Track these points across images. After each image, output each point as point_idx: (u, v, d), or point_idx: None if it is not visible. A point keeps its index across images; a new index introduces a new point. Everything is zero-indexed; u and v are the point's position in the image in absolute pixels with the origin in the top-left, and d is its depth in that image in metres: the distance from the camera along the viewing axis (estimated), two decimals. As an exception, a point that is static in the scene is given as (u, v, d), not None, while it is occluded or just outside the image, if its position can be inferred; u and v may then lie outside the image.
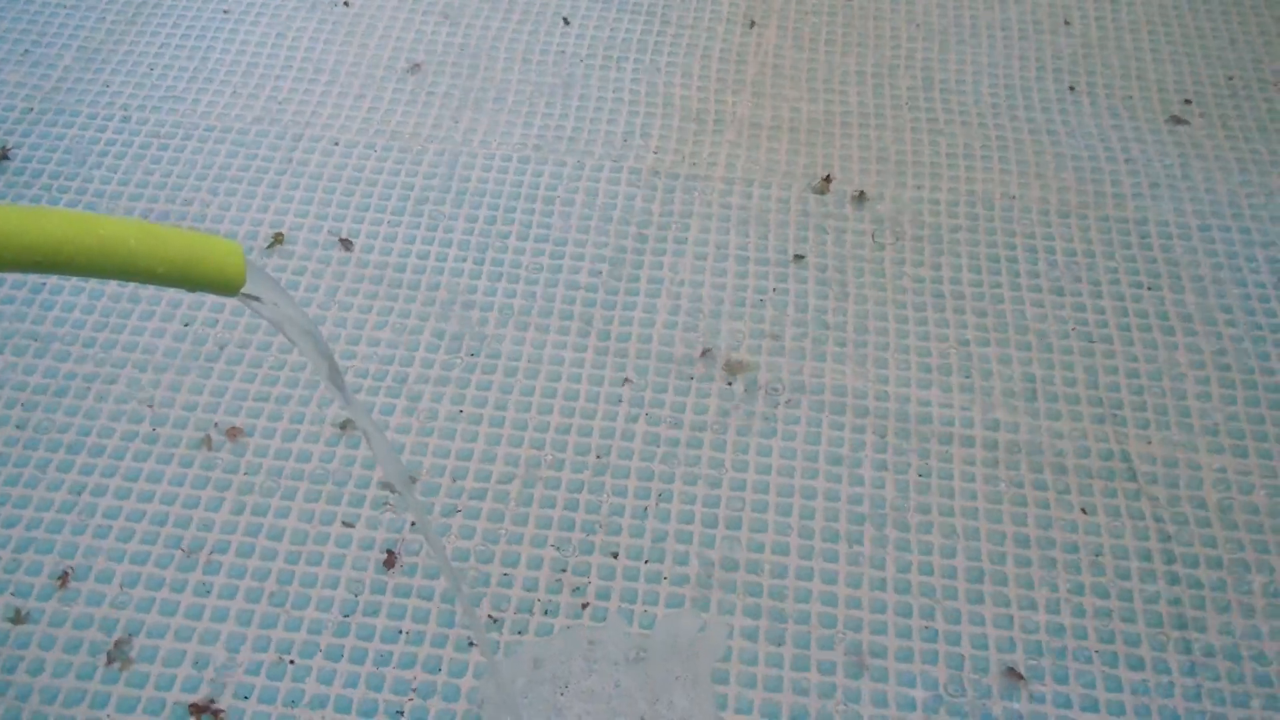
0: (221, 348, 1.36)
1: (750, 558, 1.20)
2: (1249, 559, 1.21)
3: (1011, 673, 1.12)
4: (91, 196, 1.51)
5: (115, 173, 1.54)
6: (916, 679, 1.12)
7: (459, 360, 1.36)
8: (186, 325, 1.38)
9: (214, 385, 1.32)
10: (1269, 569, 1.20)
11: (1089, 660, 1.13)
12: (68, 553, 1.18)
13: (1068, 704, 1.10)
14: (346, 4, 1.79)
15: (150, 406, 1.30)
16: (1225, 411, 1.34)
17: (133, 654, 1.11)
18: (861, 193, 1.56)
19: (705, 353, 1.36)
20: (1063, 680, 1.12)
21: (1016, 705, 1.10)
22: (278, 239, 1.47)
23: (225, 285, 0.62)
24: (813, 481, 1.26)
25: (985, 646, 1.14)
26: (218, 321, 1.38)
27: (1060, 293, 1.45)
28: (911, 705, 1.10)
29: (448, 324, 1.39)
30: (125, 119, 1.61)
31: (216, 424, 1.29)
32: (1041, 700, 1.11)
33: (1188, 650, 1.14)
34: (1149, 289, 1.46)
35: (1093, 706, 1.10)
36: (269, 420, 1.29)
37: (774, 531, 1.22)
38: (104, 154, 1.56)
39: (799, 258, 1.47)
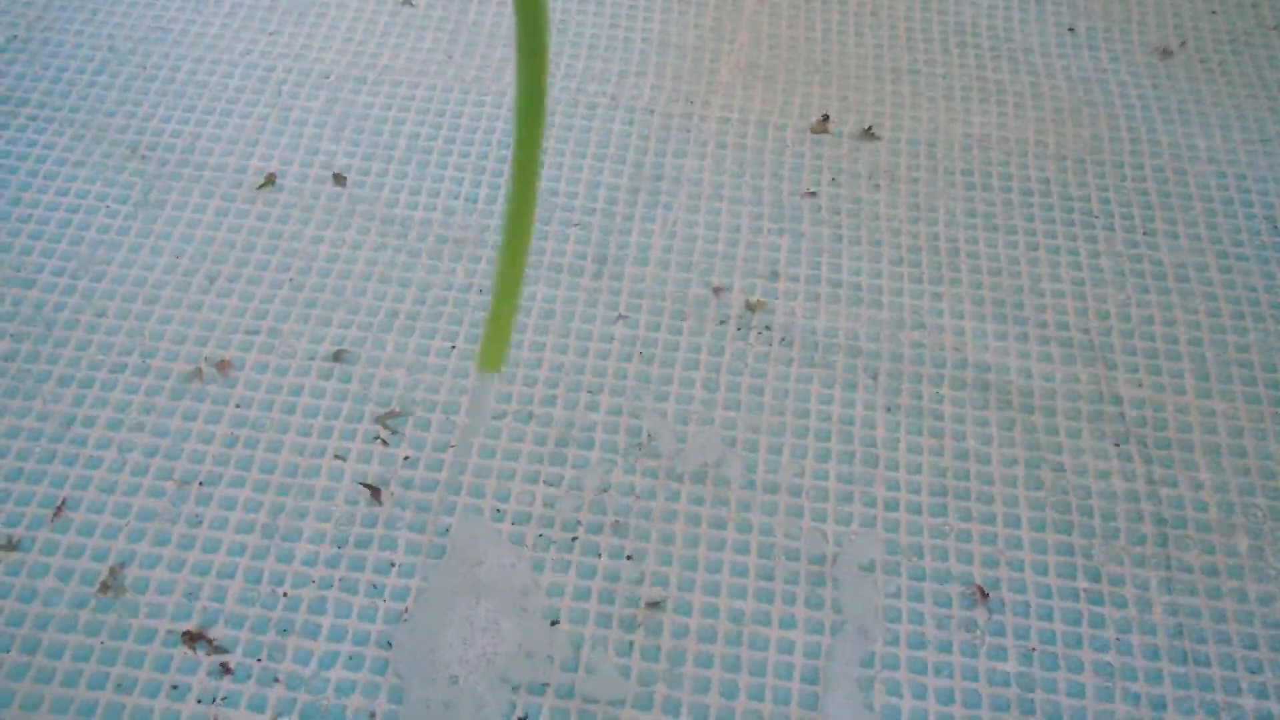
0: (212, 280, 1.35)
1: (741, 496, 1.20)
2: (1234, 501, 1.22)
3: (987, 598, 1.13)
4: (78, 129, 1.49)
5: (102, 104, 1.52)
6: (903, 614, 1.13)
7: (451, 296, 1.35)
8: (177, 258, 1.36)
9: (204, 318, 1.31)
10: (1254, 511, 1.21)
11: (1075, 597, 1.15)
12: (58, 483, 1.18)
13: (1052, 639, 1.12)
14: (337, -65, 1.76)
15: (140, 338, 1.29)
16: (1215, 356, 1.34)
17: (126, 583, 1.12)
18: (859, 133, 1.55)
19: (716, 291, 1.36)
20: (1046, 617, 1.13)
21: (1001, 640, 1.12)
22: (270, 179, 1.45)
23: None
24: (804, 421, 1.26)
25: (970, 581, 1.15)
26: (207, 255, 1.37)
27: (1054, 235, 1.45)
28: (896, 640, 1.11)
29: (440, 261, 1.38)
30: (112, 50, 1.58)
31: (207, 357, 1.28)
32: (1025, 636, 1.12)
33: (1169, 590, 1.16)
34: (1144, 233, 1.46)
35: (1075, 642, 1.12)
36: (260, 353, 1.29)
37: (764, 470, 1.22)
38: (90, 85, 1.54)
39: (812, 194, 1.46)
